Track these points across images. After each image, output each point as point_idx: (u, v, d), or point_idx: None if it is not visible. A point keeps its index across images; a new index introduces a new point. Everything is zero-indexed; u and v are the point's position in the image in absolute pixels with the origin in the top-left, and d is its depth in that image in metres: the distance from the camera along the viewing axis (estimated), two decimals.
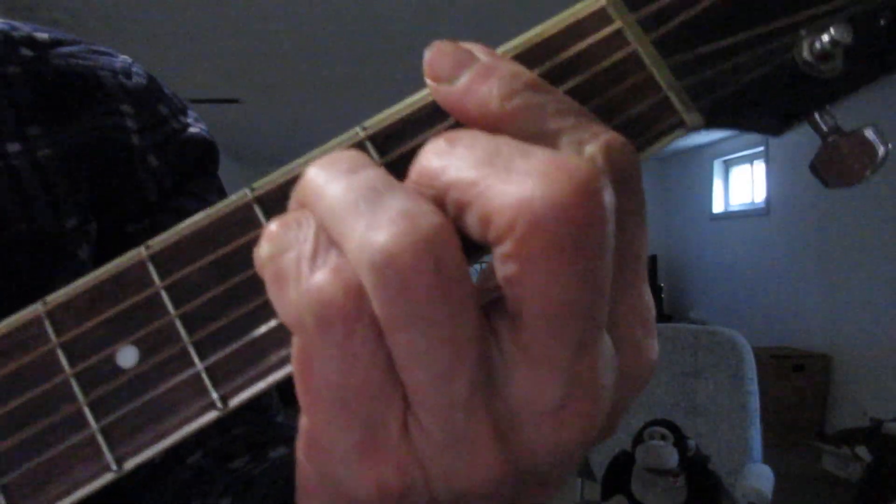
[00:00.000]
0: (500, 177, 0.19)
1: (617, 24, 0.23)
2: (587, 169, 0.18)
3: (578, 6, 0.23)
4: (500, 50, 0.23)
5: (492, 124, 0.21)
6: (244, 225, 0.22)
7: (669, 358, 2.56)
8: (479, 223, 0.19)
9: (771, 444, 3.09)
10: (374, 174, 0.20)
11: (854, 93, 0.23)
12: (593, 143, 0.20)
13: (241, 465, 0.45)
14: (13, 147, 0.41)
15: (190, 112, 0.52)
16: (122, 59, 0.49)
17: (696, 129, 0.23)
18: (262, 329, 0.22)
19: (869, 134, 0.23)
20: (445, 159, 0.20)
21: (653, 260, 7.35)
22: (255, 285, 0.22)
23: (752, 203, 6.49)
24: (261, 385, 0.21)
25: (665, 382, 2.55)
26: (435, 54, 0.22)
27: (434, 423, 0.19)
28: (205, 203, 0.49)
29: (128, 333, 0.22)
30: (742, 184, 6.82)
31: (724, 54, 0.23)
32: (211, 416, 0.21)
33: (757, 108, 0.23)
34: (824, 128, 0.23)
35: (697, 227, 7.33)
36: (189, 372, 0.21)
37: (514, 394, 0.19)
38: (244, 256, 0.22)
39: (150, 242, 0.22)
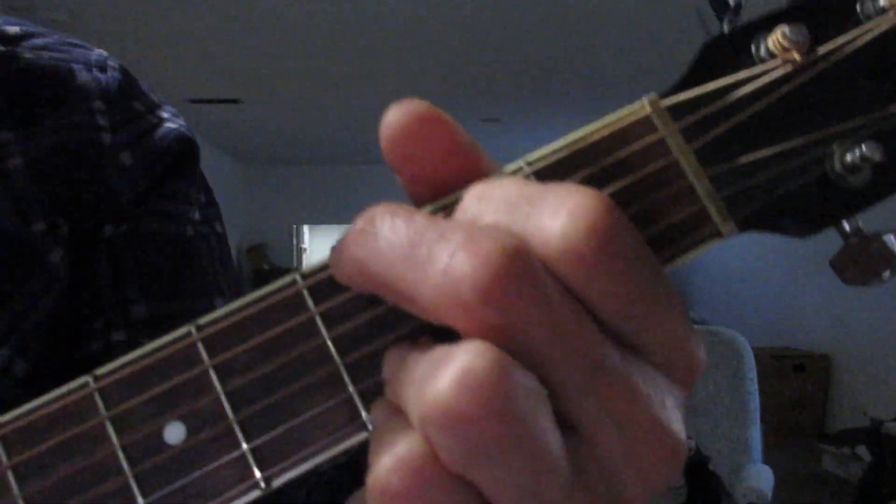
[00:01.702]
0: (424, 267, 0.19)
1: (660, 133, 0.23)
2: (498, 244, 0.19)
3: (623, 111, 0.24)
4: (548, 150, 0.23)
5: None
6: (294, 310, 0.23)
7: None
8: (418, 309, 0.20)
9: (771, 444, 3.09)
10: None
11: (880, 202, 0.24)
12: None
13: None
14: None
15: (167, 108, 0.50)
16: (98, 52, 0.48)
17: (730, 236, 0.23)
18: (308, 413, 0.22)
19: (890, 239, 0.23)
20: (372, 246, 0.21)
21: None
22: (303, 369, 0.22)
23: None
24: (304, 467, 0.22)
25: None
26: None
27: None
28: (186, 205, 0.48)
29: (175, 410, 0.22)
30: None
31: (762, 166, 0.23)
32: (254, 495, 0.22)
33: (786, 216, 0.24)
34: (847, 229, 0.24)
35: None
36: (235, 452, 0.22)
37: (607, 463, 0.20)
38: (293, 340, 0.23)
39: (200, 322, 0.23)
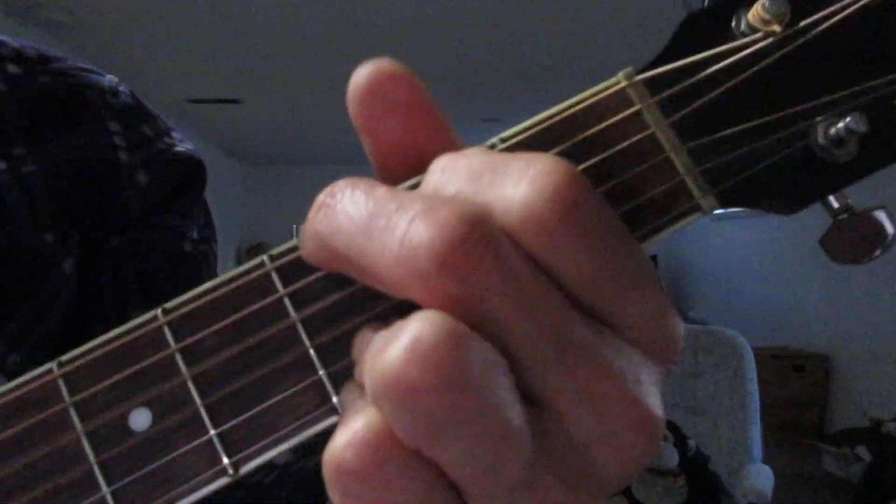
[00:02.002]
0: (384, 238, 0.19)
1: (636, 107, 0.23)
2: (458, 212, 0.18)
3: (599, 86, 0.23)
4: (522, 126, 0.23)
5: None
6: (262, 291, 0.22)
7: None
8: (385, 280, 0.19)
9: (771, 444, 3.09)
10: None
11: (867, 176, 0.23)
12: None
13: None
14: None
15: (174, 133, 0.52)
16: (109, 78, 0.50)
17: (710, 211, 0.23)
18: (277, 396, 0.22)
19: (880, 216, 0.23)
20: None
21: (653, 259, 7.35)
22: (271, 352, 0.22)
23: None
24: (273, 452, 0.22)
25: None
26: None
27: None
28: (187, 223, 0.49)
29: (141, 395, 0.22)
30: None
31: (742, 139, 0.23)
32: (222, 482, 0.21)
33: (771, 191, 0.23)
34: (835, 205, 0.23)
35: (698, 227, 7.33)
36: (202, 438, 0.22)
37: (577, 440, 0.19)
38: (261, 322, 0.22)
39: (167, 305, 0.22)
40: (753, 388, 2.54)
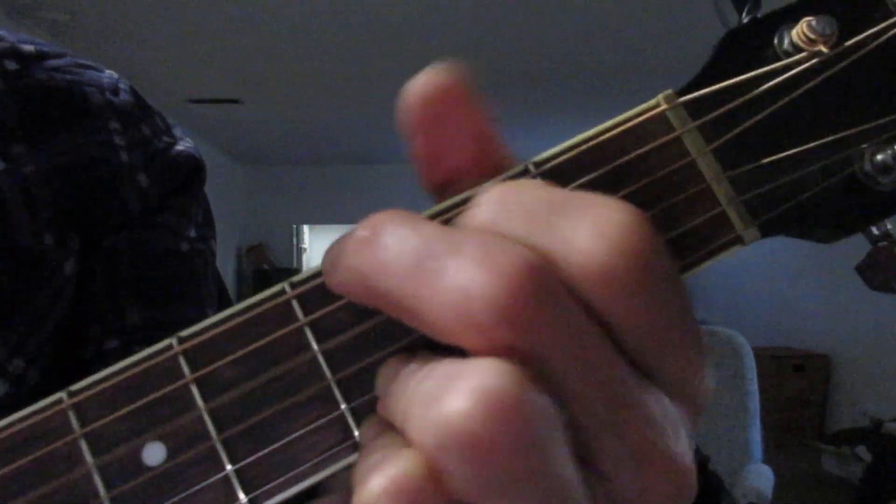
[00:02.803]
0: (433, 282, 0.18)
1: (676, 132, 0.22)
2: (516, 258, 0.17)
3: (638, 108, 0.22)
4: (557, 150, 0.22)
5: None
6: (281, 320, 0.21)
7: None
8: (424, 321, 0.19)
9: (771, 444, 3.09)
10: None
11: None
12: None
13: None
14: None
15: (175, 130, 0.51)
16: (109, 74, 0.48)
17: (751, 243, 0.22)
18: (297, 432, 0.21)
19: None
20: (375, 257, 0.19)
21: None
22: (291, 384, 0.21)
23: None
24: (292, 490, 0.21)
25: None
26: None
27: None
28: (184, 221, 0.48)
29: (155, 429, 0.21)
30: None
31: (786, 167, 0.22)
32: None
33: (813, 220, 0.22)
34: (875, 232, 0.23)
35: None
36: (218, 474, 0.21)
37: (617, 496, 0.19)
38: (280, 353, 0.21)
39: (182, 334, 0.21)
40: (753, 388, 2.54)
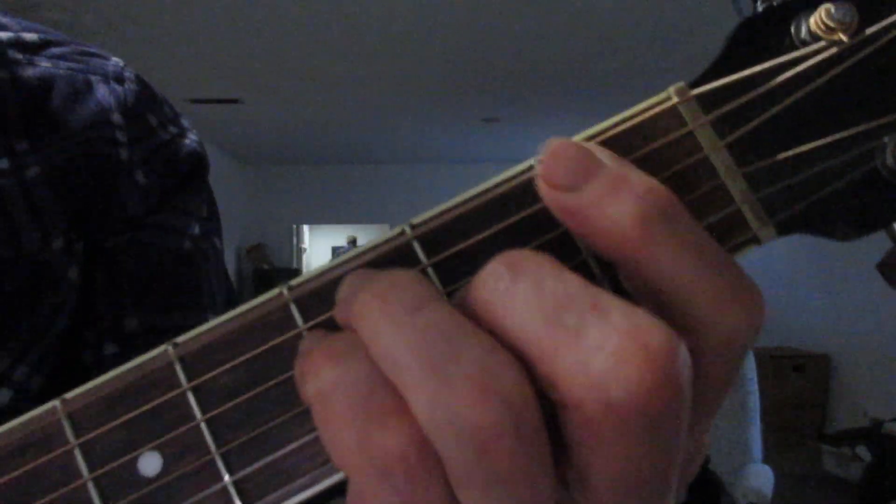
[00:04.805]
0: (570, 343, 0.17)
1: (689, 126, 0.21)
2: (667, 345, 0.17)
3: (649, 101, 0.21)
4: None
5: (616, 245, 0.19)
6: (280, 325, 0.21)
7: None
8: (545, 382, 0.17)
9: (771, 444, 3.08)
10: (440, 315, 0.17)
11: None
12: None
13: None
14: (1, 164, 0.40)
15: (182, 121, 0.50)
16: (114, 62, 0.47)
17: (767, 242, 0.21)
18: (296, 442, 0.20)
19: None
20: (508, 299, 0.18)
21: None
22: (290, 392, 0.20)
23: None
24: (292, 501, 0.20)
25: None
26: (553, 156, 0.19)
27: None
28: (187, 219, 0.47)
29: (151, 438, 0.20)
30: None
31: (804, 162, 0.21)
32: None
33: (832, 217, 0.21)
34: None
35: None
36: (216, 486, 0.20)
37: None
38: (279, 359, 0.20)
39: (178, 340, 0.21)
40: (753, 388, 2.54)
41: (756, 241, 0.21)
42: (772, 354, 5.12)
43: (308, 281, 0.21)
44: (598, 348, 0.17)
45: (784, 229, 0.21)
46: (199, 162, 0.49)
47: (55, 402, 0.21)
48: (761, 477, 2.36)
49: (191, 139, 0.49)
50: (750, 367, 2.55)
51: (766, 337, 5.52)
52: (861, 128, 0.21)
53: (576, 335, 0.17)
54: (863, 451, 4.16)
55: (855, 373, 4.94)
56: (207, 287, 0.48)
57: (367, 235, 9.89)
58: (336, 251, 9.57)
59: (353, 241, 9.10)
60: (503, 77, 4.67)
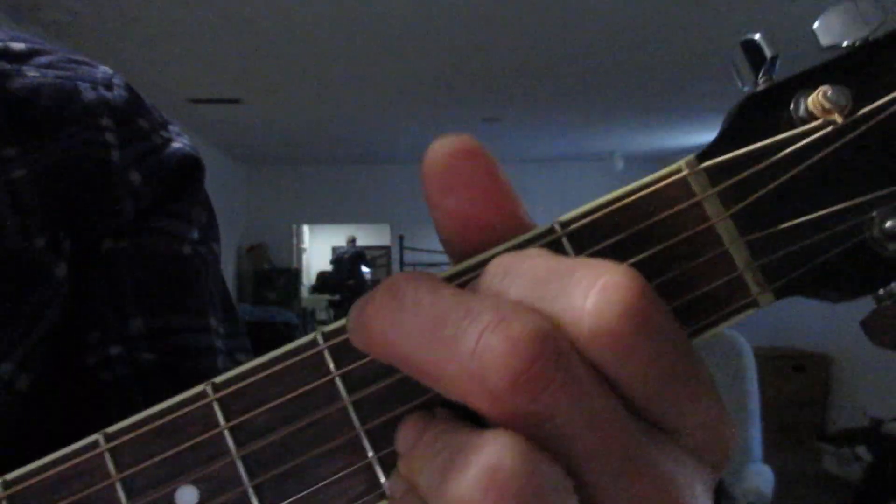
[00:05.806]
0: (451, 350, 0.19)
1: (697, 197, 0.22)
2: (530, 332, 0.18)
3: (661, 173, 0.23)
4: (582, 211, 0.23)
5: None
6: (314, 370, 0.22)
7: None
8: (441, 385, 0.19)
9: (771, 444, 3.09)
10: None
11: None
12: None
13: None
14: None
15: (171, 127, 0.50)
16: (103, 69, 0.47)
17: (765, 306, 0.23)
18: (326, 479, 0.22)
19: None
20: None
21: None
22: (319, 432, 0.22)
23: None
24: None
25: None
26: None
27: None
28: (186, 224, 0.48)
29: (189, 473, 0.22)
30: None
31: (800, 232, 0.22)
32: None
33: (824, 284, 0.23)
34: (881, 293, 0.23)
35: None
36: None
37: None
38: (312, 401, 0.22)
39: (217, 380, 0.22)
40: (753, 388, 2.54)
41: (755, 304, 0.22)
42: (772, 354, 5.13)
43: (341, 330, 0.22)
44: (468, 347, 0.18)
45: (781, 293, 0.23)
46: (194, 165, 0.49)
47: (98, 436, 0.22)
48: (761, 477, 2.36)
49: (184, 143, 0.49)
50: (750, 367, 2.55)
51: (766, 337, 5.52)
52: (853, 202, 0.22)
53: (454, 341, 0.19)
54: (863, 450, 4.17)
55: (855, 373, 4.94)
56: (208, 291, 0.48)
57: (367, 235, 9.90)
58: (336, 251, 9.56)
59: (352, 241, 9.10)
60: (503, 77, 4.67)
